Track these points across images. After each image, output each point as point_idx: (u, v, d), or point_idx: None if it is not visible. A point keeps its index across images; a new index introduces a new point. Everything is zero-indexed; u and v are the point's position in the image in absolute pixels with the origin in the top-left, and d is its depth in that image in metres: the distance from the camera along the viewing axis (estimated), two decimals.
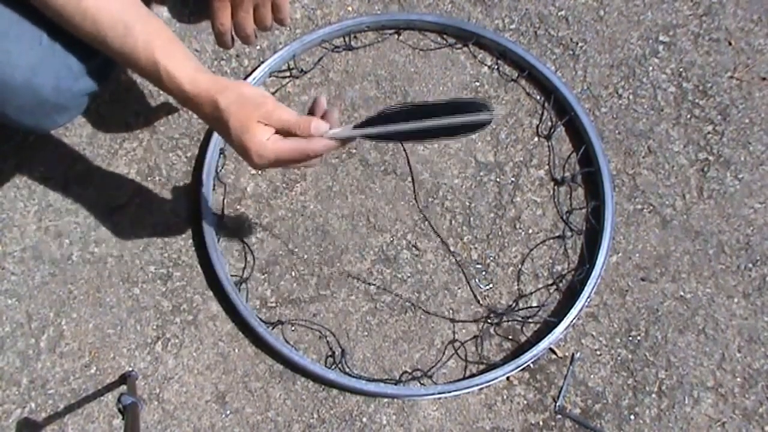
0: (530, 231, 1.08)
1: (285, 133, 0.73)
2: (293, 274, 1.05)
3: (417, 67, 1.15)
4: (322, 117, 0.75)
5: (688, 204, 1.09)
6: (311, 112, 0.76)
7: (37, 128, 0.87)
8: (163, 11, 1.16)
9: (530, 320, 1.03)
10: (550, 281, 1.06)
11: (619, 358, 1.02)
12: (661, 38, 1.18)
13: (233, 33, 0.88)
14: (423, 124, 0.71)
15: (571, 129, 1.13)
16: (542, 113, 1.14)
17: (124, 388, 0.92)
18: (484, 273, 1.06)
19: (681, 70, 1.16)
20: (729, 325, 1.03)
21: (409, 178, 1.10)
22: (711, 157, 1.11)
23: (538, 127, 1.13)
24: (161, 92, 1.10)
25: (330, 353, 1.02)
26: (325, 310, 1.04)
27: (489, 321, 1.03)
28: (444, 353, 1.02)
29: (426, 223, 1.07)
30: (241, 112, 0.72)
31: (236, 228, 1.07)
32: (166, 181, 1.09)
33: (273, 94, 1.13)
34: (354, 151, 1.11)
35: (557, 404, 1.00)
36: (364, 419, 0.99)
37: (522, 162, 1.11)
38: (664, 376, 1.01)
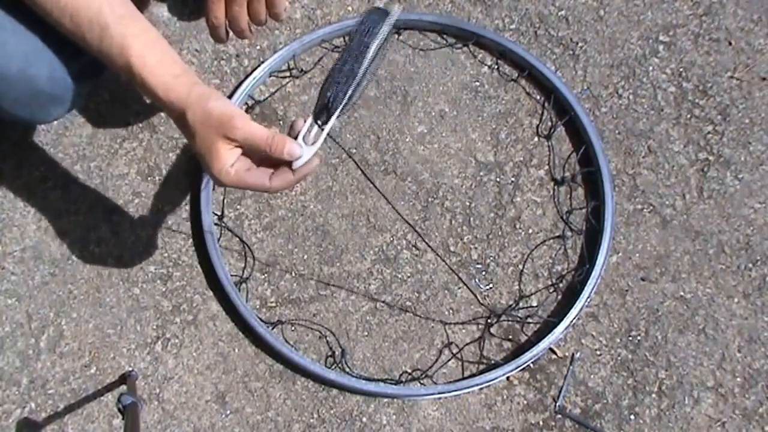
0: (530, 231, 1.08)
1: (252, 151, 0.70)
2: (293, 274, 1.05)
3: (417, 67, 1.15)
4: (291, 128, 0.72)
5: (688, 204, 1.09)
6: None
7: (33, 120, 0.86)
8: (163, 11, 1.16)
9: (530, 320, 1.03)
10: (550, 281, 1.06)
11: (619, 358, 1.02)
12: (661, 38, 1.18)
13: (228, 27, 0.88)
14: (361, 67, 0.69)
15: (571, 129, 1.13)
16: (542, 113, 1.14)
17: (124, 388, 0.92)
18: (484, 273, 1.06)
19: (681, 70, 1.16)
20: (729, 325, 1.03)
21: (410, 178, 1.10)
22: (711, 157, 1.11)
23: (538, 127, 1.13)
24: None
25: (330, 353, 1.02)
26: (325, 310, 1.04)
27: (489, 321, 1.03)
28: (443, 352, 1.02)
29: (426, 223, 1.07)
30: (204, 130, 0.68)
31: (236, 228, 1.07)
32: (166, 181, 1.09)
33: (273, 94, 1.13)
34: (354, 150, 1.10)
35: (557, 404, 1.00)
36: (364, 419, 0.99)
37: (522, 162, 1.11)
38: (664, 376, 1.01)
